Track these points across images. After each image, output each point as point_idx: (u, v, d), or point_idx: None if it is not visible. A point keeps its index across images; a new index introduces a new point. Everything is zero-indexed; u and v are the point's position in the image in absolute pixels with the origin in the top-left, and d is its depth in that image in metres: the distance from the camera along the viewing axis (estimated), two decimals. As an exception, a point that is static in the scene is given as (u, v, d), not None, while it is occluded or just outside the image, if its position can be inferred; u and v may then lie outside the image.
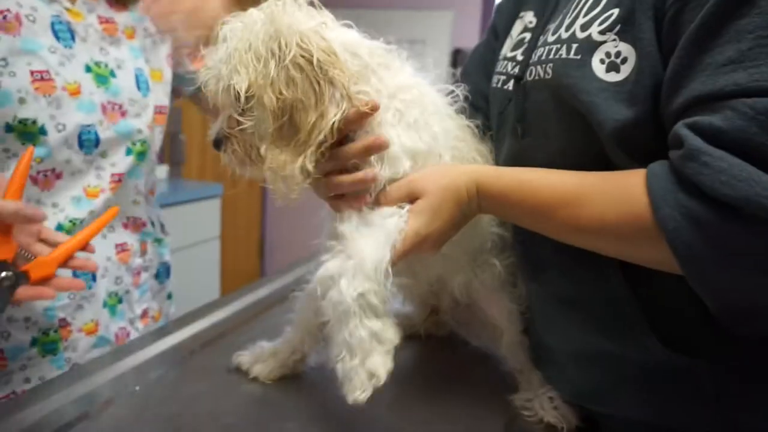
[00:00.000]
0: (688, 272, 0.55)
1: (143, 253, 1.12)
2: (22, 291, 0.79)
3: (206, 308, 1.13)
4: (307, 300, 0.89)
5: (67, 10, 0.96)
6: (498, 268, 0.83)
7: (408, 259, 0.74)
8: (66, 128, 0.93)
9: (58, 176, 0.95)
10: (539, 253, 0.75)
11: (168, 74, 1.14)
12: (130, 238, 1.08)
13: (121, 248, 1.06)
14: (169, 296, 1.23)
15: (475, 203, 0.70)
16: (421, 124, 0.76)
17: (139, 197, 1.08)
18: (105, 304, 1.02)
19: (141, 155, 1.06)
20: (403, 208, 0.69)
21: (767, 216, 0.49)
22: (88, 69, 0.98)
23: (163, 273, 1.19)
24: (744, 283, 0.54)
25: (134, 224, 1.09)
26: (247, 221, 3.39)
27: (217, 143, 0.75)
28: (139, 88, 1.05)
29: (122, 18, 1.06)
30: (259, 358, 0.90)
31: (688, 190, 0.53)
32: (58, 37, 0.94)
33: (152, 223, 1.15)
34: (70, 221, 0.96)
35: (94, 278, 1.00)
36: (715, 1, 0.53)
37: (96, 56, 0.99)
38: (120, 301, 1.06)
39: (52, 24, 0.93)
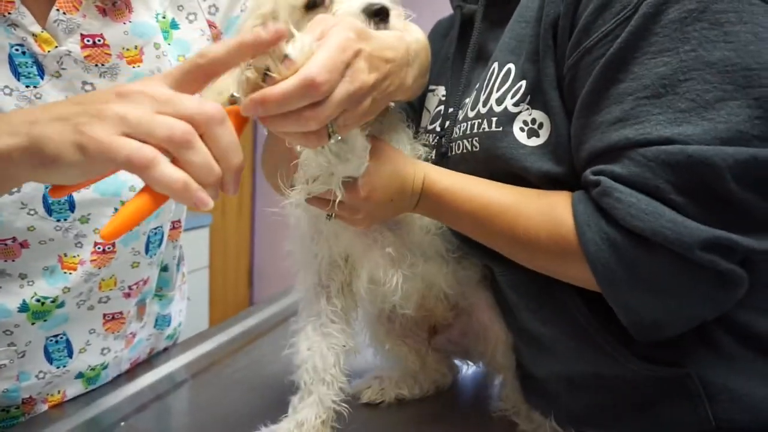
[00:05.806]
0: (605, 290, 0.61)
1: (140, 317, 0.96)
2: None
3: (195, 339, 1.12)
4: None
5: (35, 36, 0.72)
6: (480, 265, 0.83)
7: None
8: (21, 189, 0.74)
9: (23, 245, 0.77)
10: (508, 295, 0.77)
11: None
12: (126, 305, 0.90)
13: (112, 317, 0.89)
14: (170, 337, 1.08)
15: (415, 198, 0.71)
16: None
17: (139, 258, 0.89)
18: (81, 376, 0.88)
19: None
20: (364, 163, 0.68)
21: (670, 245, 0.55)
22: None
23: (162, 322, 1.04)
24: (651, 302, 0.60)
25: (133, 289, 0.91)
26: (236, 250, 3.37)
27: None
28: None
29: (117, 34, 0.78)
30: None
31: (607, 219, 0.59)
32: (18, 74, 0.73)
33: (164, 280, 1.00)
34: (38, 300, 0.79)
35: (70, 354, 0.85)
36: (599, 70, 0.60)
37: (75, 94, 0.76)
38: (104, 367, 0.91)
39: (11, 57, 0.72)
